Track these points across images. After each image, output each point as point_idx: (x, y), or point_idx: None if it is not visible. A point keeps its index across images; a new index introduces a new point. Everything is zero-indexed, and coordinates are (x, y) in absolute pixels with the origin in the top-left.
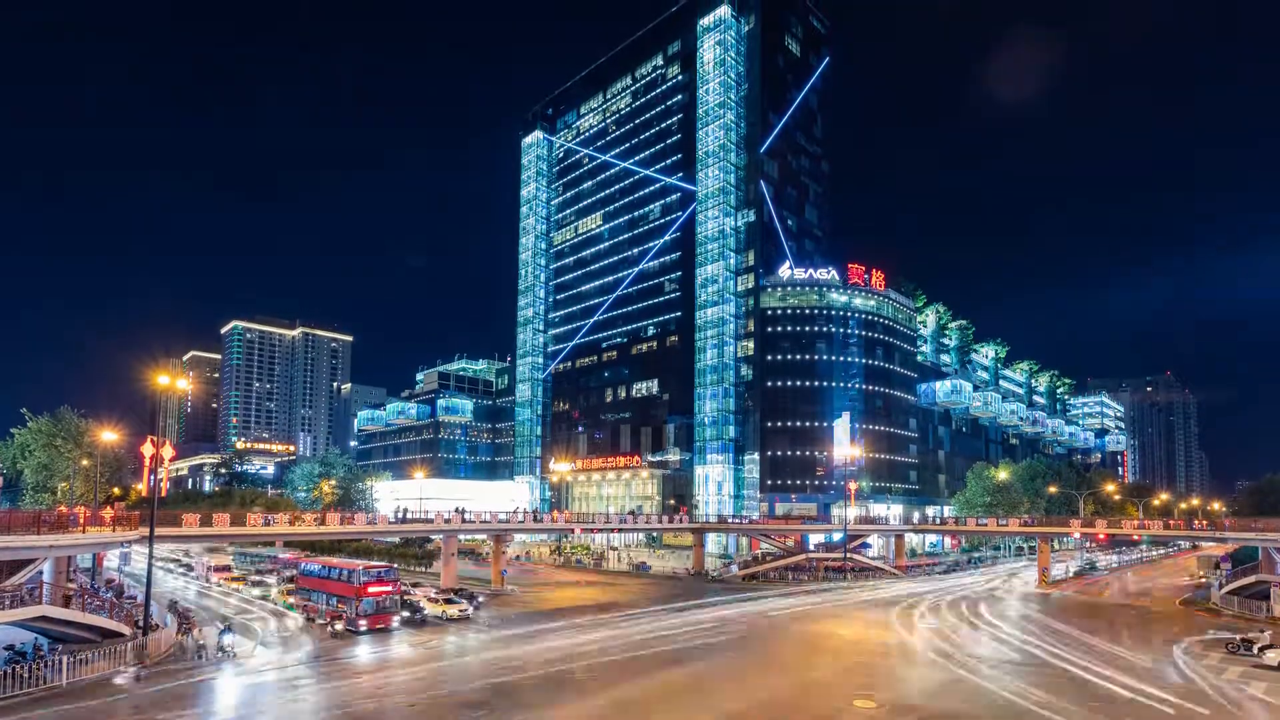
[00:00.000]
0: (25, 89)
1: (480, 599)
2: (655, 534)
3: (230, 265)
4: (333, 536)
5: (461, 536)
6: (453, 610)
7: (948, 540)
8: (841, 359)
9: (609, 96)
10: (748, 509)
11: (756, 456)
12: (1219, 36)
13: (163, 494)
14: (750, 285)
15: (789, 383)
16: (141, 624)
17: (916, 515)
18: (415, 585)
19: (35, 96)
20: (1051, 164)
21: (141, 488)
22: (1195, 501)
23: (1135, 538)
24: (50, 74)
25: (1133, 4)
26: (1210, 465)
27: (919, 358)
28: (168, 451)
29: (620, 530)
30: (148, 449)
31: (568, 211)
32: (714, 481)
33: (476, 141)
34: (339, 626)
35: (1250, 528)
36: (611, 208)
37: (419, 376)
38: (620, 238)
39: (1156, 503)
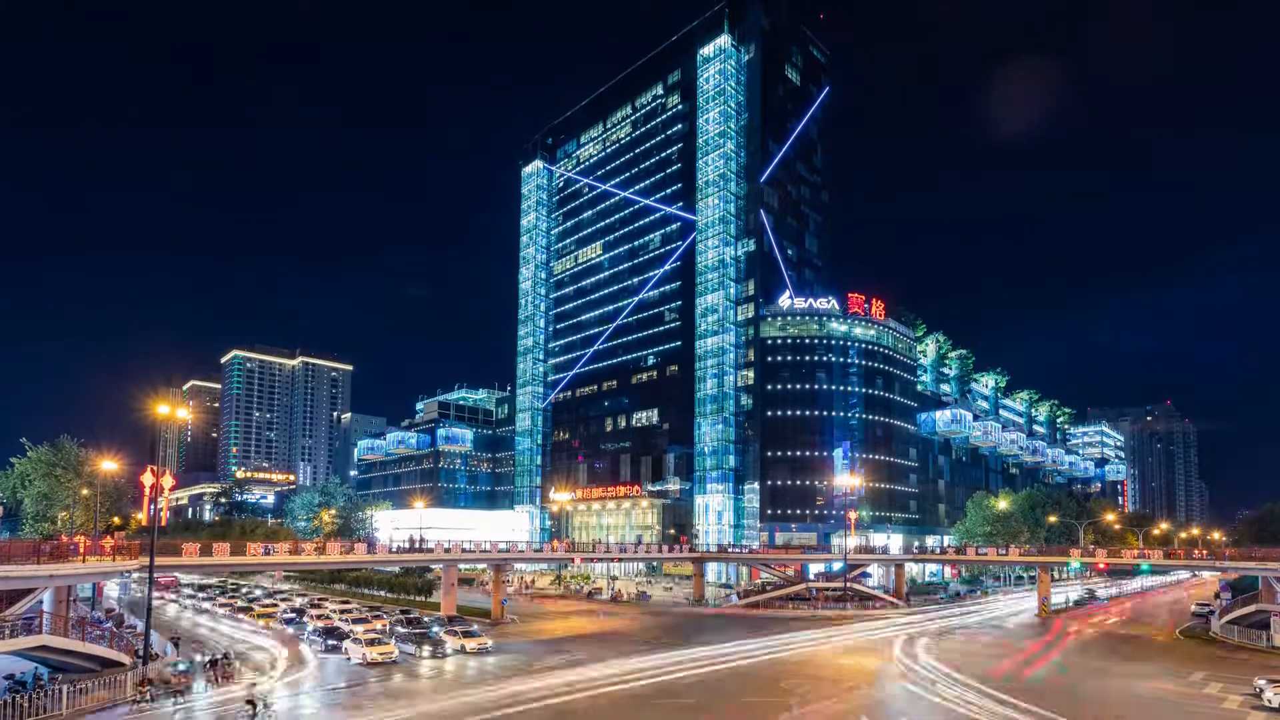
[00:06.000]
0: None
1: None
2: (655, 563)
3: (230, 295)
4: (333, 566)
5: (461, 566)
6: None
7: (948, 570)
8: (841, 388)
9: (609, 126)
10: (748, 538)
11: (756, 486)
12: (1220, 63)
13: (163, 523)
14: (750, 315)
15: (789, 412)
16: (142, 653)
17: (916, 544)
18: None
19: (29, 108)
20: (1051, 193)
21: (141, 517)
22: (1195, 531)
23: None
24: (46, 92)
25: (1133, 34)
26: (1210, 495)
27: (919, 387)
28: (168, 481)
29: (620, 560)
30: (147, 478)
31: (568, 241)
32: (714, 511)
33: (476, 170)
34: None
35: (1250, 557)
36: (611, 237)
37: (419, 406)
38: (620, 267)
39: (1156, 532)
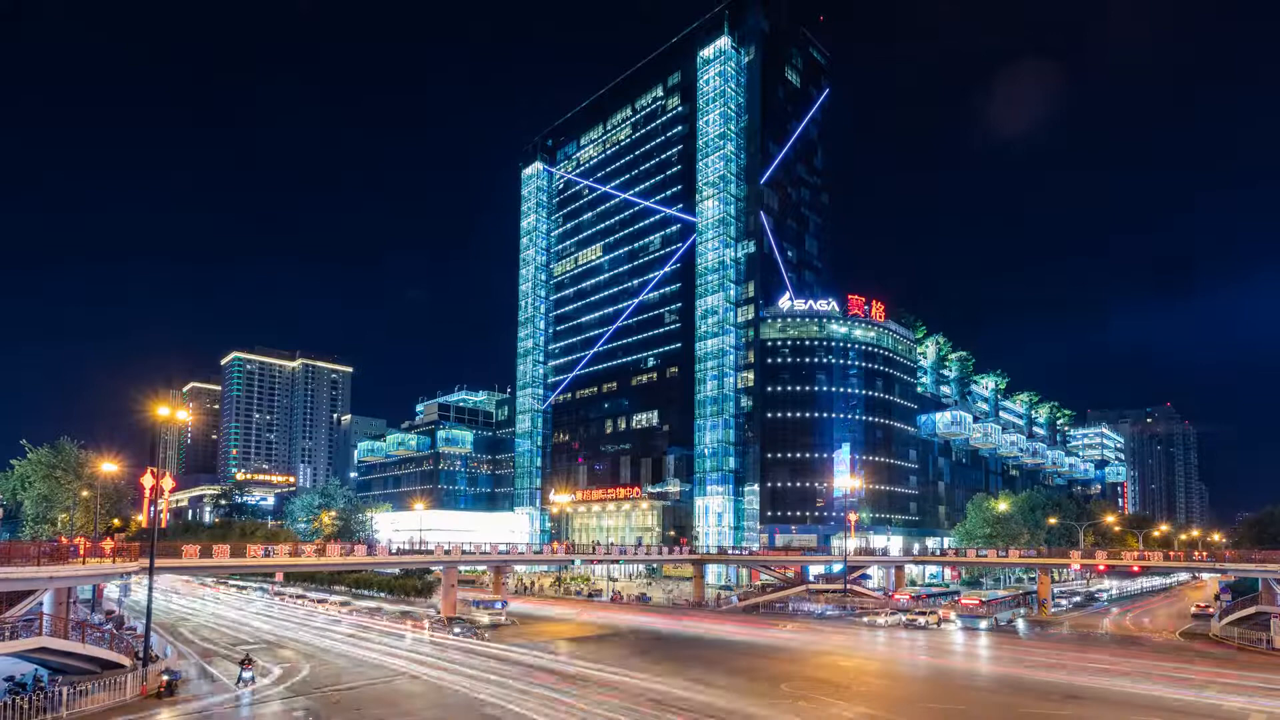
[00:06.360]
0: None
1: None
2: (656, 565)
3: (230, 296)
4: (333, 568)
5: (461, 568)
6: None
7: (948, 572)
8: (841, 390)
9: (609, 128)
10: (748, 540)
11: (756, 488)
12: (1221, 63)
13: (163, 525)
14: (750, 316)
15: (789, 414)
16: (142, 655)
17: (916, 546)
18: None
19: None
20: (1052, 195)
21: (141, 519)
22: (1195, 533)
23: (1135, 569)
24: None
25: (1133, 38)
26: (1210, 497)
27: (919, 389)
28: (168, 483)
29: (620, 562)
30: (147, 480)
31: (568, 243)
32: (714, 513)
33: (476, 172)
34: None
35: (1250, 559)
36: (611, 239)
37: (419, 408)
38: (620, 269)
39: (1156, 534)
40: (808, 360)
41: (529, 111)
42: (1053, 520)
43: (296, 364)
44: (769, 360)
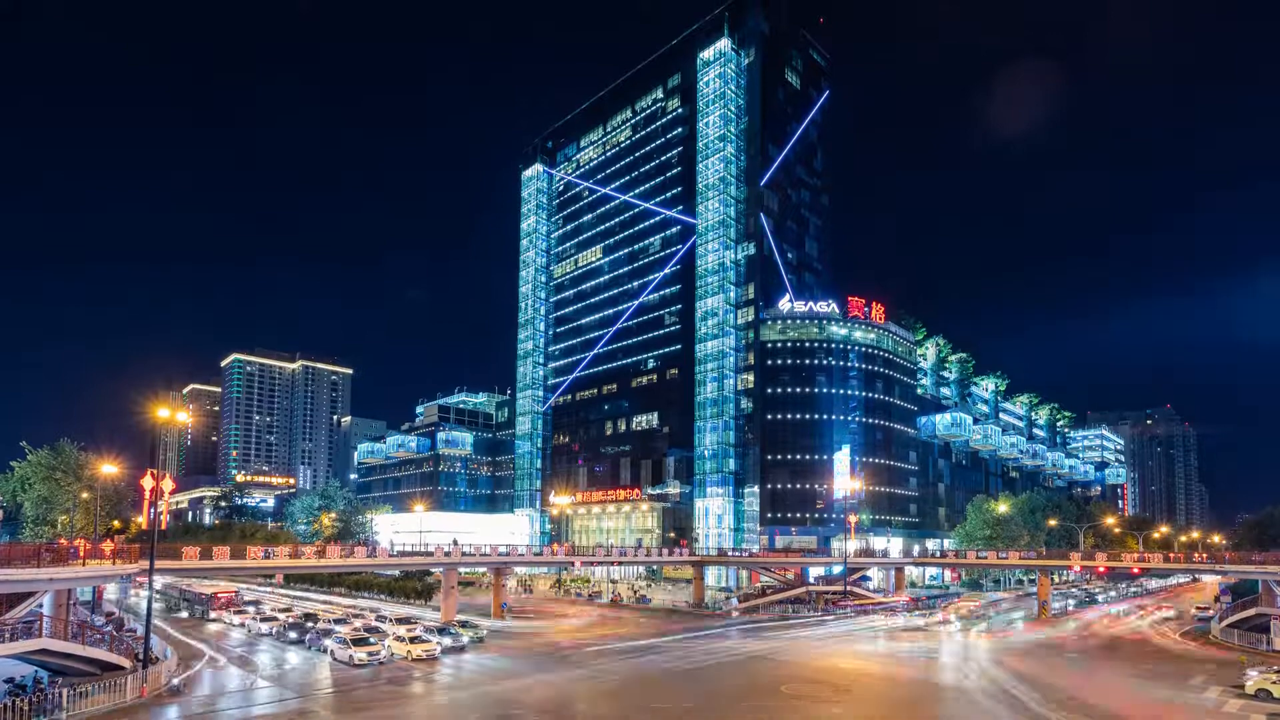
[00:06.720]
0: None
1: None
2: (655, 567)
3: (230, 298)
4: (333, 570)
5: (461, 570)
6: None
7: (948, 574)
8: (842, 392)
9: (609, 129)
10: (748, 542)
11: (756, 489)
12: (1219, 72)
13: (163, 527)
14: (750, 318)
15: (789, 416)
16: (141, 657)
17: (916, 548)
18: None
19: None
20: (1052, 195)
21: (141, 521)
22: (1195, 534)
23: (1135, 571)
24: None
25: (1134, 40)
26: (1210, 498)
27: (919, 390)
28: (167, 485)
29: (620, 564)
30: (147, 482)
31: (568, 244)
32: (714, 514)
33: (476, 173)
34: None
35: (1250, 560)
36: (611, 240)
37: (419, 409)
38: (620, 270)
39: (1156, 536)
40: (808, 362)
41: (529, 112)
42: (1053, 522)
43: (296, 365)
44: (769, 362)
